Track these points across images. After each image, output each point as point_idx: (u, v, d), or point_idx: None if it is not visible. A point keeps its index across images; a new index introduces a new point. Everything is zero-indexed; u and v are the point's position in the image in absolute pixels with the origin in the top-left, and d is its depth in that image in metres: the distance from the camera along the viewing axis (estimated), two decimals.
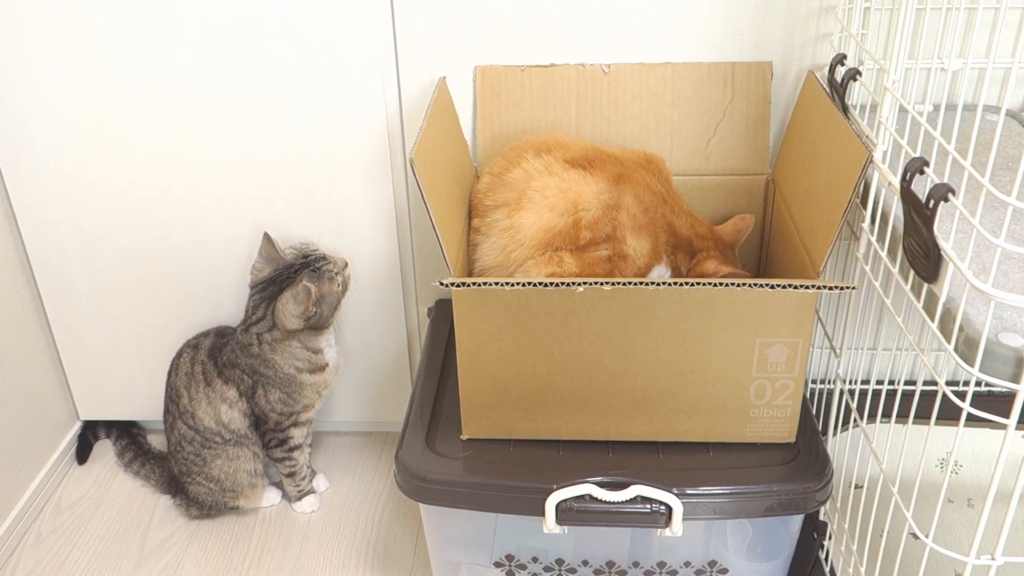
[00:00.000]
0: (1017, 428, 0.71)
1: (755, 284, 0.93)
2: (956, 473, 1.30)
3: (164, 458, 1.50)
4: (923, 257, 0.77)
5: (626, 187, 1.09)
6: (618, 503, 1.00)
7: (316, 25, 1.22)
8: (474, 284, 0.96)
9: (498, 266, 1.09)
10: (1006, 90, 1.21)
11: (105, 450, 1.60)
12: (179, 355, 1.39)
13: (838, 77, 1.05)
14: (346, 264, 1.32)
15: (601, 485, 1.01)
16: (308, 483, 1.47)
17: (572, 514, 1.01)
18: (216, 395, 1.33)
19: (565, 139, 1.17)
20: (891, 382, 1.03)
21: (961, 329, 0.72)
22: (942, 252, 0.74)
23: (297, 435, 1.39)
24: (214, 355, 1.35)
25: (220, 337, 1.37)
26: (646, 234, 1.09)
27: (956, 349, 0.73)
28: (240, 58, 1.24)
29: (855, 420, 1.06)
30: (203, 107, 1.29)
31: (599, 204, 1.07)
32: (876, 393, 1.04)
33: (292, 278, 1.26)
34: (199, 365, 1.35)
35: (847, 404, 1.09)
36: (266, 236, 1.28)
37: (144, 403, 1.56)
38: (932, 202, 0.72)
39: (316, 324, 1.28)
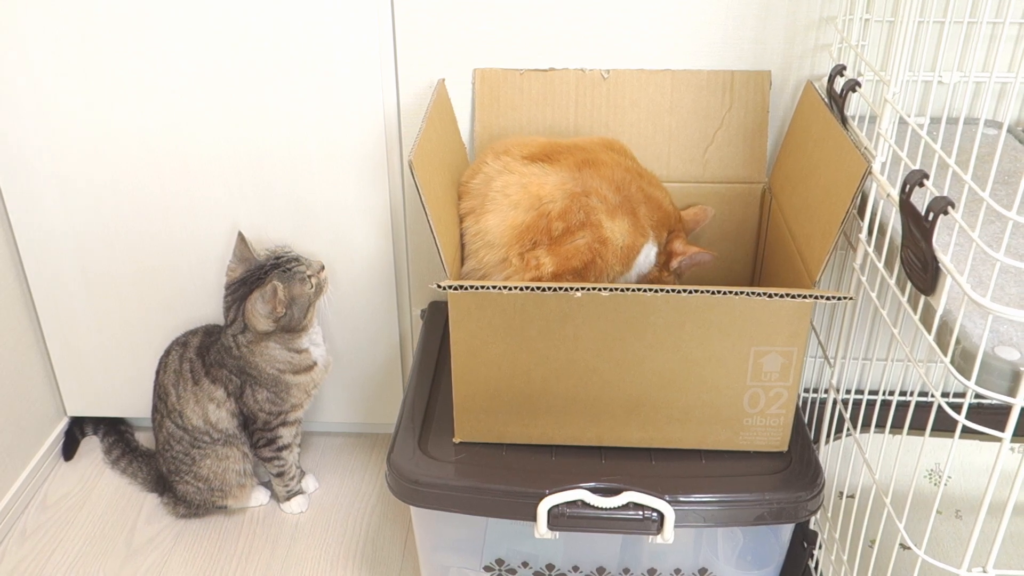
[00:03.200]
0: (1011, 441, 0.71)
1: (751, 293, 0.93)
2: (945, 484, 1.30)
3: (152, 456, 1.49)
4: (921, 269, 0.77)
5: (592, 171, 1.08)
6: (610, 509, 1.00)
7: (315, 26, 1.21)
8: (471, 287, 0.96)
9: (473, 271, 1.08)
10: (1005, 104, 1.21)
11: (92, 447, 1.59)
12: (167, 353, 1.38)
13: (837, 88, 1.06)
14: (322, 267, 1.31)
15: (593, 491, 1.01)
16: (297, 483, 1.46)
17: (564, 519, 1.01)
18: (204, 394, 1.33)
19: (525, 139, 1.17)
20: (884, 392, 1.03)
21: (958, 342, 0.72)
22: (941, 265, 0.74)
23: (286, 435, 1.38)
24: (202, 354, 1.34)
25: (208, 336, 1.37)
26: (622, 213, 1.08)
27: (952, 362, 0.73)
28: (238, 59, 1.24)
29: (848, 430, 1.06)
30: (199, 106, 1.28)
31: (563, 194, 1.06)
32: (868, 403, 1.05)
33: (262, 279, 1.25)
34: (187, 363, 1.34)
35: (840, 414, 1.10)
36: (240, 236, 1.28)
37: (132, 400, 1.55)
38: (932, 215, 0.73)
39: (287, 326, 1.27)
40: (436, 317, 1.35)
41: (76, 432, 1.59)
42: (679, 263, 1.15)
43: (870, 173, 0.91)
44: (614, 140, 1.19)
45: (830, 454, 1.16)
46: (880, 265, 0.91)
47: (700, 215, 1.23)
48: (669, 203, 1.16)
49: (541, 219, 1.04)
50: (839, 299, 0.93)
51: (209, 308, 1.45)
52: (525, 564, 1.13)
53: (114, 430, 1.57)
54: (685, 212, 1.22)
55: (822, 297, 0.93)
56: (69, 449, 1.57)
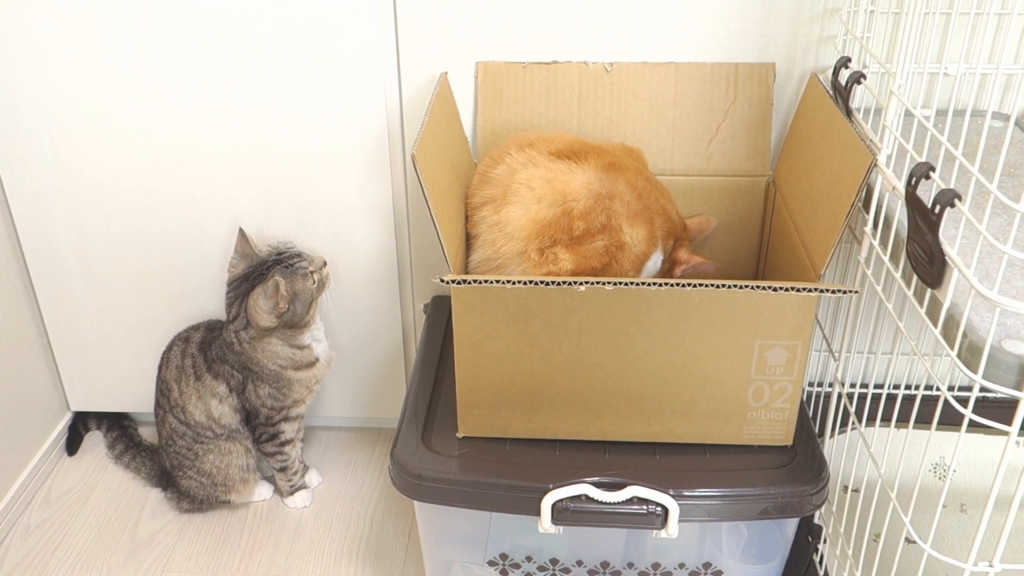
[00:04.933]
0: (1018, 435, 0.71)
1: (756, 286, 0.93)
2: (951, 479, 1.30)
3: (155, 451, 1.49)
4: (927, 262, 0.77)
5: (618, 175, 1.09)
6: (614, 504, 1.00)
7: (317, 20, 1.21)
8: (474, 282, 0.95)
9: (487, 259, 1.08)
10: (1012, 96, 1.20)
11: (95, 441, 1.59)
12: (170, 348, 1.38)
13: (842, 80, 1.05)
14: (324, 263, 1.30)
15: (597, 485, 1.00)
16: (300, 478, 1.46)
17: (568, 514, 1.01)
18: (206, 390, 1.32)
19: (549, 134, 1.17)
20: (889, 386, 1.03)
21: (965, 335, 0.72)
22: (947, 258, 0.74)
23: (288, 430, 1.38)
24: (204, 349, 1.34)
25: (210, 331, 1.37)
26: (641, 221, 1.09)
27: (959, 355, 0.73)
28: (239, 55, 1.23)
29: (853, 423, 1.06)
30: (201, 104, 1.27)
31: (589, 194, 1.06)
32: (874, 397, 1.04)
33: (265, 275, 1.25)
34: (189, 359, 1.34)
35: (844, 407, 1.09)
36: (241, 232, 1.27)
37: (135, 395, 1.55)
38: (938, 207, 0.72)
39: (290, 322, 1.27)
40: (439, 311, 1.34)
41: (79, 427, 1.59)
42: (682, 272, 1.15)
43: (875, 165, 0.91)
44: (633, 148, 1.20)
45: (835, 448, 1.16)
46: (886, 258, 0.91)
47: (704, 224, 1.24)
48: (676, 213, 1.17)
49: (563, 216, 1.04)
50: (844, 292, 0.93)
51: (211, 304, 1.44)
52: (529, 559, 1.13)
53: (117, 425, 1.57)
54: (690, 221, 1.22)
55: (827, 290, 0.93)
56: (73, 444, 1.58)
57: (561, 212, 1.05)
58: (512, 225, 1.05)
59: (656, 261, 1.12)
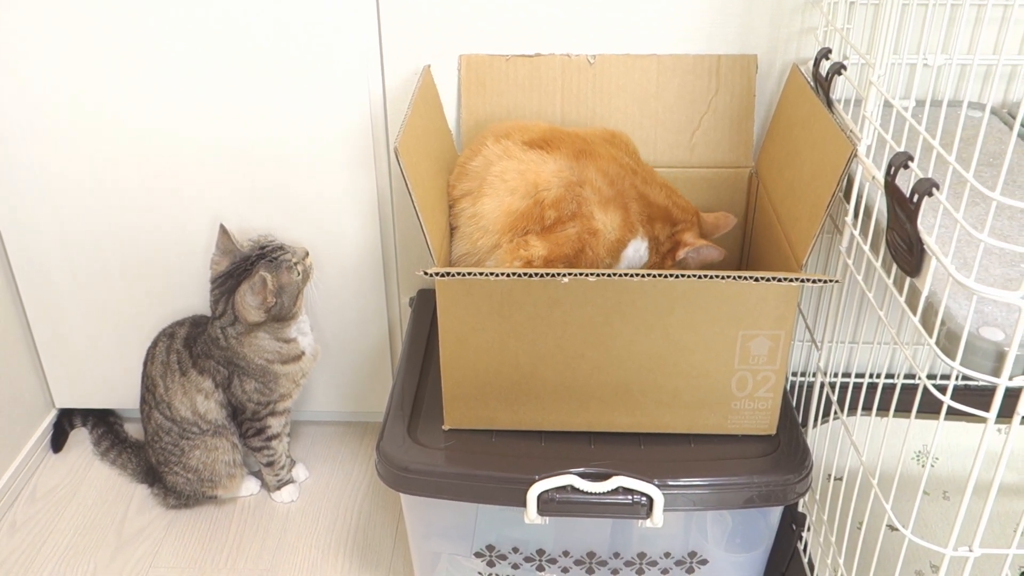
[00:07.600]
0: (996, 422, 0.71)
1: (738, 276, 0.94)
2: (932, 466, 1.31)
3: (141, 447, 1.48)
4: (906, 251, 0.78)
5: (588, 162, 1.08)
6: (599, 494, 1.00)
7: (300, 15, 1.20)
8: (458, 274, 0.95)
9: (467, 254, 1.08)
10: (989, 86, 1.21)
11: (81, 438, 1.59)
12: (155, 344, 1.38)
13: (823, 71, 1.06)
14: (307, 253, 1.30)
15: (583, 476, 1.01)
16: (287, 473, 1.46)
17: (554, 505, 1.01)
18: (191, 385, 1.32)
19: (526, 123, 1.17)
20: (871, 375, 1.04)
21: (943, 323, 0.73)
22: (925, 246, 0.74)
23: (275, 424, 1.38)
24: (189, 345, 1.34)
25: (195, 327, 1.36)
26: (614, 207, 1.08)
27: (938, 343, 0.73)
28: (221, 49, 1.23)
29: (835, 412, 1.07)
30: (183, 98, 1.27)
31: (560, 182, 1.06)
32: (856, 386, 1.05)
33: (249, 270, 1.25)
34: (174, 355, 1.34)
35: (827, 397, 1.10)
36: (222, 228, 1.27)
37: (121, 391, 1.54)
38: (916, 196, 0.73)
39: (278, 315, 1.27)
40: (424, 305, 1.35)
41: (65, 424, 1.59)
42: (685, 254, 1.14)
43: (856, 156, 0.91)
44: (617, 133, 1.19)
45: (818, 437, 1.17)
46: (866, 248, 0.92)
47: (721, 221, 1.20)
48: (666, 198, 1.15)
49: (535, 207, 1.04)
50: (826, 282, 0.93)
51: (196, 299, 1.44)
52: (515, 550, 1.14)
53: (103, 421, 1.57)
54: (708, 216, 1.20)
55: (809, 280, 0.94)
56: (58, 441, 1.57)
57: (533, 203, 1.05)
58: (487, 218, 1.06)
59: (638, 248, 1.12)
